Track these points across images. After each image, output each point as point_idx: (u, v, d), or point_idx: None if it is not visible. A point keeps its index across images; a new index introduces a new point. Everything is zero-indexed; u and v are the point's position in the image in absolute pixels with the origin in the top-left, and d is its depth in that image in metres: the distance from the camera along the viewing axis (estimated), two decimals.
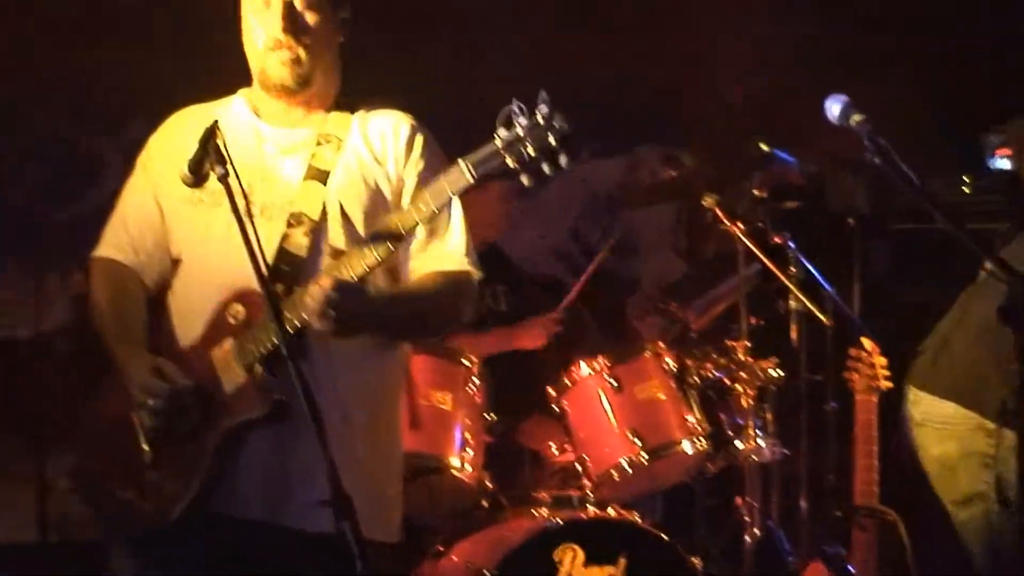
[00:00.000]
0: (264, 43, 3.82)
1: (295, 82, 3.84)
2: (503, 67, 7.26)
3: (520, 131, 3.34)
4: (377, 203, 3.85)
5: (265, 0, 3.80)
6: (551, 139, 3.32)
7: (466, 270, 3.93)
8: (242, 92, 4.02)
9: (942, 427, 4.95)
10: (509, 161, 3.36)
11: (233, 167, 3.44)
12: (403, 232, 3.57)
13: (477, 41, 7.31)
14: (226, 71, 4.02)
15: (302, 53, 3.82)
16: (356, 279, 3.58)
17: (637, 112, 7.58)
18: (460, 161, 3.45)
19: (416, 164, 3.90)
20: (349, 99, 4.00)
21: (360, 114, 3.97)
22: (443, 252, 3.90)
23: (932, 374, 5.03)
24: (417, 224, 3.57)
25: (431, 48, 7.22)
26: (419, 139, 3.93)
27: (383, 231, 3.60)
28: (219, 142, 3.47)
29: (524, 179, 3.37)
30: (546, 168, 3.34)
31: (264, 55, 3.84)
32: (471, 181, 3.44)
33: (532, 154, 3.33)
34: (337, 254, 3.72)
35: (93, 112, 7.52)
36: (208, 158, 3.48)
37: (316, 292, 3.52)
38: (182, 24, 6.62)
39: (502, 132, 3.36)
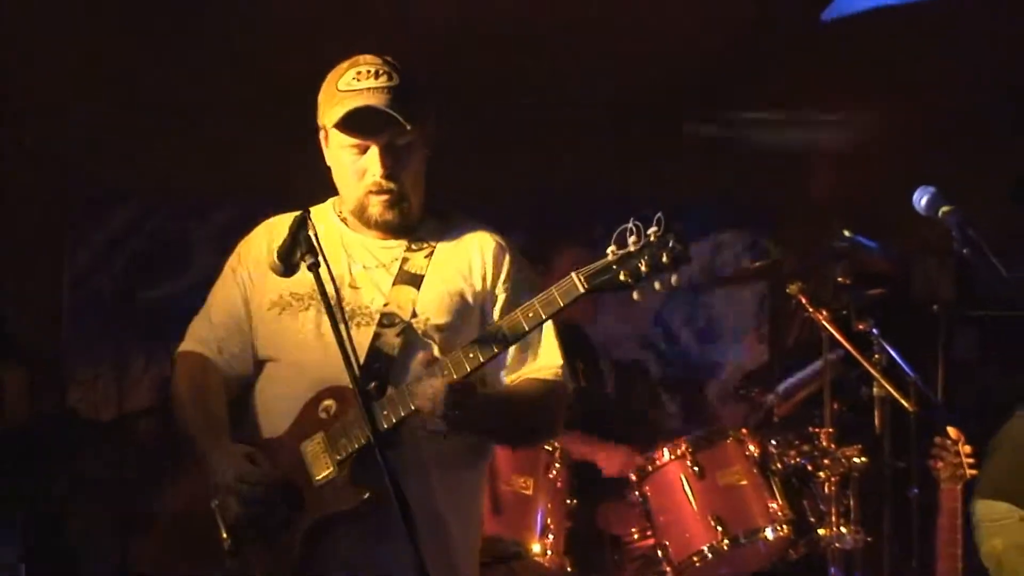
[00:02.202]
0: (364, 186, 3.84)
1: (396, 219, 3.87)
2: (581, 169, 7.32)
3: (634, 248, 3.39)
4: (465, 313, 3.86)
5: (360, 146, 3.82)
6: (664, 257, 3.36)
7: (561, 382, 3.95)
8: (333, 202, 4.06)
9: (991, 524, 4.90)
10: (622, 276, 3.40)
11: (324, 257, 3.47)
12: (509, 337, 3.59)
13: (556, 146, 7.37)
14: (315, 163, 4.08)
15: (403, 191, 3.85)
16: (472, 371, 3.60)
17: (720, 198, 7.61)
18: (573, 274, 3.48)
19: (504, 281, 3.91)
20: (441, 207, 4.05)
21: (450, 223, 4.01)
22: (538, 364, 3.91)
23: (983, 475, 4.99)
24: (526, 332, 3.59)
25: (516, 154, 7.29)
26: (507, 258, 3.95)
27: (489, 335, 3.62)
28: (310, 232, 3.50)
29: (636, 294, 3.43)
30: (657, 285, 3.39)
31: (364, 196, 3.85)
32: (582, 292, 3.47)
33: (645, 270, 3.37)
34: (429, 356, 3.74)
35: (181, 198, 7.64)
36: (299, 247, 3.49)
37: (436, 391, 3.54)
38: (276, 111, 6.70)
39: (616, 247, 3.42)
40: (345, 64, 3.87)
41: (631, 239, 3.41)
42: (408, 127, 3.76)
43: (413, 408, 3.58)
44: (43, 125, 6.55)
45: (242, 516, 3.71)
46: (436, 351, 3.75)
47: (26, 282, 7.00)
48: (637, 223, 3.41)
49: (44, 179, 6.90)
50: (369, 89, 3.78)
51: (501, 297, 3.89)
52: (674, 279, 3.39)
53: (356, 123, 3.79)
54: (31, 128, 5.97)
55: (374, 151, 3.79)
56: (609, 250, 3.43)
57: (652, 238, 3.38)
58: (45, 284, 7.30)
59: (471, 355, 3.58)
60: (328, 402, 3.74)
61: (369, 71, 3.82)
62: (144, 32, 6.52)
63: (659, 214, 3.39)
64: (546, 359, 3.91)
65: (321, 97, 3.88)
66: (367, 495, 3.62)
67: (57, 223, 7.58)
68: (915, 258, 7.47)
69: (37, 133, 5.72)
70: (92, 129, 6.95)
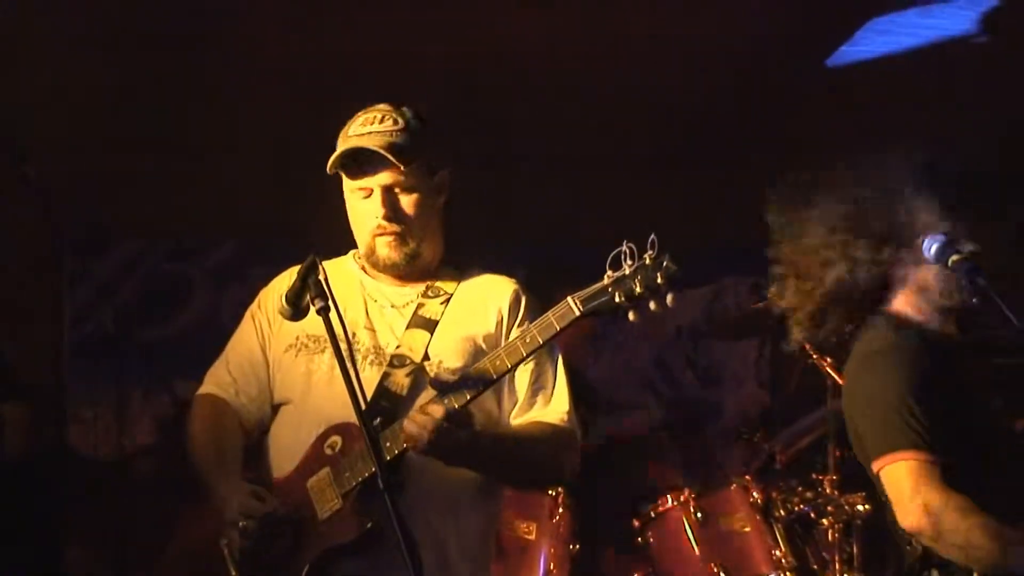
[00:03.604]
0: (370, 229, 3.90)
1: (403, 260, 3.92)
2: (596, 205, 7.32)
3: (628, 270, 3.44)
4: (477, 357, 3.86)
5: (365, 190, 3.88)
6: (658, 278, 3.41)
7: (569, 428, 3.95)
8: (353, 253, 4.10)
9: None
10: (617, 297, 3.45)
11: (333, 299, 3.49)
12: (508, 364, 3.61)
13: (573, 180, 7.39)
14: (318, 207, 4.10)
15: (406, 233, 3.90)
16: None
17: (723, 242, 7.60)
18: (569, 298, 3.53)
19: (519, 326, 3.94)
20: (458, 258, 4.08)
21: (467, 274, 4.04)
22: (546, 409, 3.93)
23: None
24: (524, 357, 3.62)
25: (532, 191, 7.30)
26: (523, 303, 4.00)
27: (482, 368, 3.66)
28: (320, 276, 3.52)
29: (631, 315, 3.48)
30: (652, 305, 3.45)
31: (371, 240, 3.92)
32: (577, 315, 3.51)
33: (639, 291, 3.42)
34: (429, 399, 3.74)
35: (182, 236, 7.64)
36: (308, 291, 3.53)
37: (423, 418, 3.57)
38: (275, 151, 6.71)
39: (611, 271, 3.47)
40: (361, 112, 3.93)
41: (626, 263, 3.46)
42: (401, 168, 3.80)
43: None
44: (44, 161, 6.53)
45: (248, 552, 3.74)
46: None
47: (26, 319, 6.97)
48: (631, 245, 3.47)
49: (45, 215, 6.87)
50: (371, 133, 3.86)
51: None
52: (669, 299, 3.45)
53: (356, 165, 3.85)
54: (33, 163, 5.95)
55: (376, 194, 3.85)
56: (605, 274, 3.49)
57: (647, 260, 3.45)
58: (45, 321, 7.25)
59: (446, 401, 3.63)
60: (334, 439, 3.78)
61: (377, 117, 3.90)
62: (146, 70, 6.54)
63: (652, 236, 3.45)
64: (556, 404, 3.93)
65: (338, 143, 3.93)
66: (370, 524, 3.65)
67: (58, 260, 7.56)
68: None
69: (39, 168, 5.72)
70: (93, 166, 6.94)
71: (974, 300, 3.73)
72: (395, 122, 3.88)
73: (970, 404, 3.98)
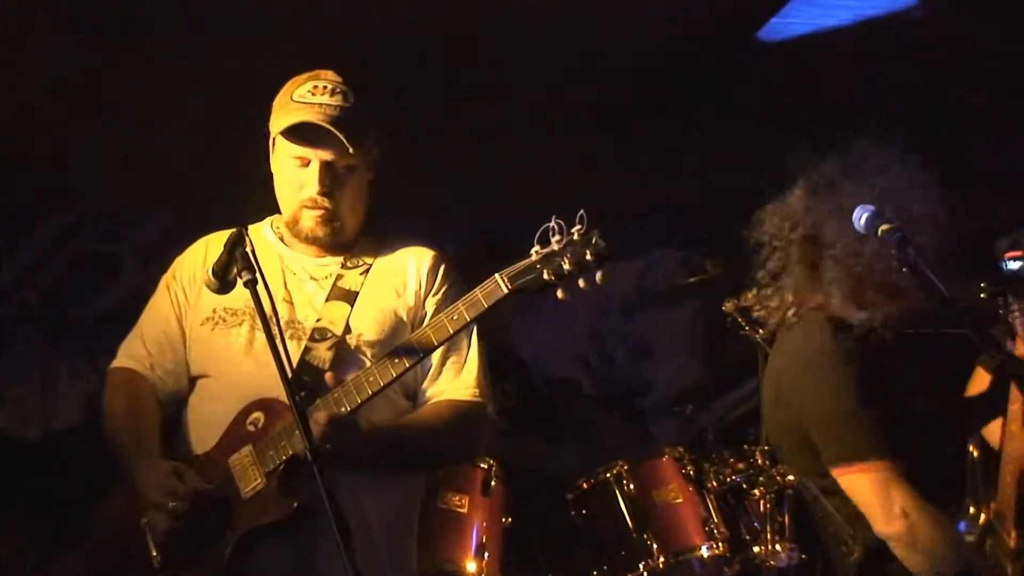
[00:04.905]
0: (300, 199, 3.86)
1: (327, 237, 3.90)
2: (524, 172, 7.29)
3: (557, 247, 3.39)
4: (397, 328, 3.88)
5: (303, 159, 3.84)
6: (587, 255, 3.37)
7: (477, 401, 3.93)
8: (270, 220, 4.05)
9: None
10: (546, 275, 3.41)
11: (261, 273, 3.45)
12: (435, 342, 3.58)
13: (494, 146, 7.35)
14: (245, 178, 4.06)
15: (337, 210, 3.87)
16: (373, 394, 3.63)
17: (655, 215, 7.61)
18: (497, 275, 3.49)
19: (435, 294, 3.96)
20: (378, 228, 4.05)
21: (387, 242, 4.01)
22: (455, 382, 3.92)
23: None
24: (451, 335, 3.58)
25: (455, 163, 7.26)
26: (440, 271, 3.99)
27: (407, 346, 3.64)
28: (247, 249, 3.48)
29: (559, 292, 3.43)
30: (581, 283, 3.41)
31: (298, 209, 3.89)
32: (505, 292, 3.47)
33: (568, 268, 3.38)
34: (333, 377, 3.73)
35: (110, 213, 7.56)
36: (235, 264, 3.49)
37: (318, 425, 3.55)
38: (200, 125, 6.64)
39: (539, 247, 3.43)
40: (305, 76, 3.90)
41: (554, 238, 3.42)
42: (350, 150, 3.76)
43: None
44: None
45: (170, 532, 3.71)
46: (367, 366, 3.76)
47: None
48: (559, 221, 3.44)
49: None
50: (321, 105, 3.81)
51: (432, 311, 3.89)
52: (599, 276, 3.42)
53: (302, 135, 3.81)
54: None
55: (315, 166, 3.81)
56: (533, 250, 3.46)
57: (575, 236, 3.42)
58: None
59: (371, 378, 3.60)
60: (256, 415, 3.75)
61: (326, 87, 3.86)
62: (78, 42, 6.44)
63: (581, 212, 3.42)
64: (467, 376, 3.93)
65: (276, 103, 3.90)
66: (296, 504, 3.62)
67: None
68: None
69: None
70: (20, 139, 6.85)
71: (903, 270, 3.74)
72: (345, 97, 3.86)
73: (900, 406, 4.05)
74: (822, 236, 4.22)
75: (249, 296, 3.44)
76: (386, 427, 3.84)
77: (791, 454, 4.37)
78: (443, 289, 3.96)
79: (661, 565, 5.41)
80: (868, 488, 4.00)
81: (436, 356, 3.88)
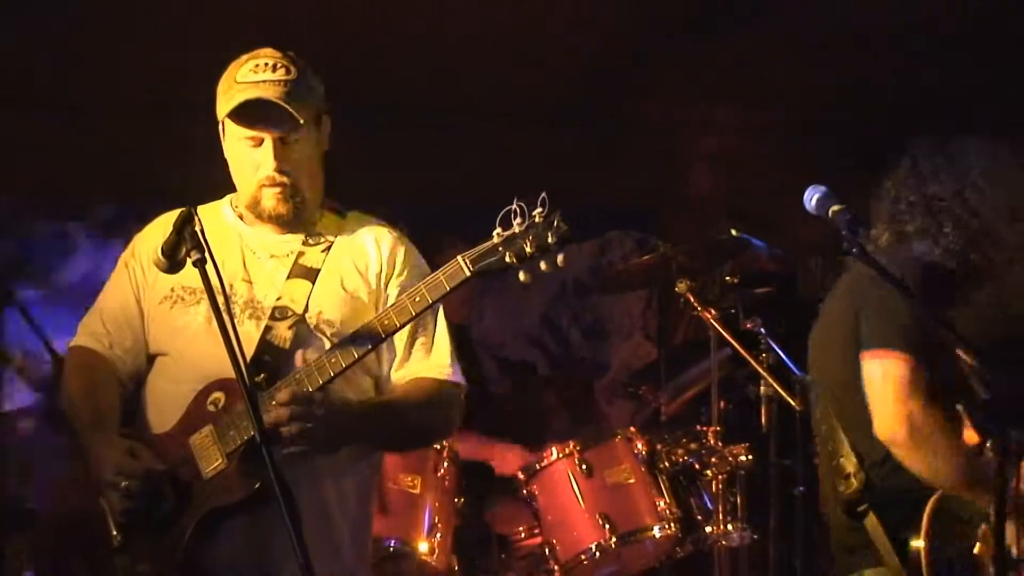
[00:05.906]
0: (257, 179, 3.84)
1: (289, 212, 3.87)
2: (479, 159, 7.30)
3: (519, 229, 3.40)
4: (357, 308, 3.86)
5: (255, 139, 3.81)
6: (549, 238, 3.39)
7: (451, 380, 3.94)
8: (230, 198, 4.03)
9: None
10: (507, 257, 3.42)
11: (210, 252, 3.44)
12: (397, 324, 3.58)
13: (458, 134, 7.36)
14: (201, 156, 4.04)
15: (296, 184, 3.84)
16: (335, 375, 3.61)
17: (608, 198, 7.62)
18: (459, 257, 3.49)
19: (398, 277, 3.93)
20: (339, 202, 4.04)
21: (348, 220, 4.00)
22: (427, 362, 3.91)
23: None
24: (413, 317, 3.58)
25: (414, 144, 7.26)
26: (401, 252, 3.97)
27: (368, 328, 3.63)
28: (196, 228, 3.46)
29: (521, 275, 3.45)
30: (543, 265, 3.42)
31: (258, 189, 3.85)
32: (468, 275, 3.48)
33: (530, 251, 3.39)
34: (302, 356, 3.73)
35: (62, 195, 7.52)
36: (184, 243, 3.47)
37: (277, 411, 3.54)
38: (155, 102, 6.62)
39: (501, 230, 3.43)
40: (245, 56, 3.88)
41: (516, 221, 3.43)
42: (301, 121, 3.75)
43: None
44: None
45: (126, 512, 3.69)
46: (327, 346, 3.75)
47: None
48: (521, 204, 3.44)
49: None
50: (265, 82, 3.79)
51: (395, 292, 3.88)
52: (559, 259, 3.43)
53: (249, 115, 3.80)
54: None
55: (268, 144, 3.79)
56: (494, 232, 3.46)
57: (537, 218, 3.42)
58: None
59: (334, 359, 3.59)
60: (217, 395, 3.74)
61: (267, 64, 3.83)
62: (29, 27, 6.40)
63: (543, 194, 3.42)
64: (437, 356, 3.91)
65: (219, 88, 3.88)
66: (257, 485, 3.61)
67: None
68: (802, 257, 7.55)
69: None
70: None
71: (853, 251, 3.75)
72: (287, 71, 3.83)
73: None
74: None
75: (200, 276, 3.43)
76: (372, 402, 3.86)
77: (833, 366, 4.33)
78: (405, 271, 3.95)
79: (613, 545, 5.40)
80: (886, 378, 3.99)
81: (402, 339, 3.87)
